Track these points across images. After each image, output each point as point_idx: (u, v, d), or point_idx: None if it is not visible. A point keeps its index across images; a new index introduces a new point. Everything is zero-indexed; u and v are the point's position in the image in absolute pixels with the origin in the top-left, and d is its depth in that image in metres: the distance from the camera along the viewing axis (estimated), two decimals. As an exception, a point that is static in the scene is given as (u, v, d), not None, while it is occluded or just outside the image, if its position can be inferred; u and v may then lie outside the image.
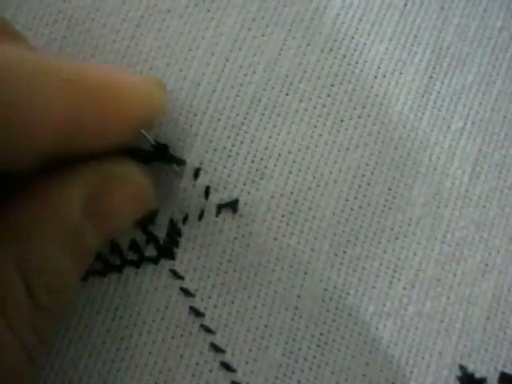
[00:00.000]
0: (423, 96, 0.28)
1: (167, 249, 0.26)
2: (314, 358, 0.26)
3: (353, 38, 0.28)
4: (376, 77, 0.28)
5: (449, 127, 0.28)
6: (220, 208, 0.27)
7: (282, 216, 0.27)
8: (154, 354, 0.26)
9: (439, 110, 0.28)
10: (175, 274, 0.26)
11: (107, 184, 0.23)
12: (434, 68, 0.28)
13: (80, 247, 0.22)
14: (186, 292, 0.26)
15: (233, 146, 0.27)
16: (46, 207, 0.21)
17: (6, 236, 0.20)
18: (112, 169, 0.23)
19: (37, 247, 0.21)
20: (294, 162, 0.27)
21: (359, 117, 0.27)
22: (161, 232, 0.26)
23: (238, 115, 0.27)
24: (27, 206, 0.21)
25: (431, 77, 0.28)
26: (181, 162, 0.26)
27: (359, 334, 0.27)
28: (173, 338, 0.26)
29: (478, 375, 0.27)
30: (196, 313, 0.26)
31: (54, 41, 0.27)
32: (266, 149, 0.27)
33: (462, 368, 0.27)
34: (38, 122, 0.19)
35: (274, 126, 0.27)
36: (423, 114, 0.28)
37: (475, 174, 0.28)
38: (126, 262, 0.26)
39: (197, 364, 0.26)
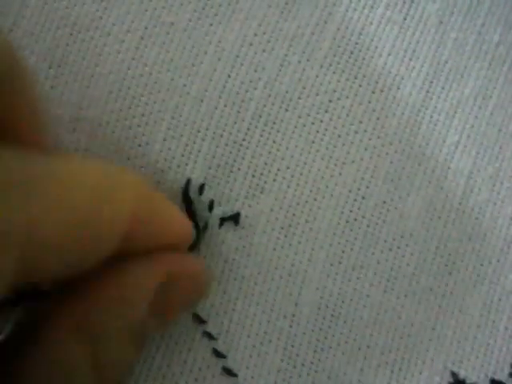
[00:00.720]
0: (419, 111, 0.29)
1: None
2: (312, 363, 0.28)
3: (352, 52, 0.29)
4: (374, 92, 0.29)
5: (444, 141, 0.29)
6: (223, 220, 0.28)
7: (281, 228, 0.28)
8: (158, 360, 0.28)
9: (435, 125, 0.29)
10: None
11: (172, 278, 0.24)
12: (431, 82, 0.29)
13: (142, 339, 0.24)
14: None
15: (234, 161, 0.28)
16: (117, 305, 0.23)
17: (82, 330, 0.22)
18: (175, 264, 0.24)
19: (112, 346, 0.23)
20: (292, 176, 0.28)
21: (356, 132, 0.28)
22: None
23: (239, 131, 0.28)
24: (103, 301, 0.23)
25: (428, 91, 0.29)
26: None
27: (354, 340, 0.28)
28: (176, 343, 0.28)
29: (468, 381, 0.28)
30: (199, 320, 0.28)
31: (57, 48, 0.28)
32: (266, 164, 0.28)
33: (454, 374, 0.28)
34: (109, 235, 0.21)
35: (274, 142, 0.28)
36: (419, 128, 0.29)
37: (469, 187, 0.29)
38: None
39: (199, 369, 0.27)
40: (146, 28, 0.29)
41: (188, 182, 0.28)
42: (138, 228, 0.22)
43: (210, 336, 0.28)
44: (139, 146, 0.28)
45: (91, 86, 0.28)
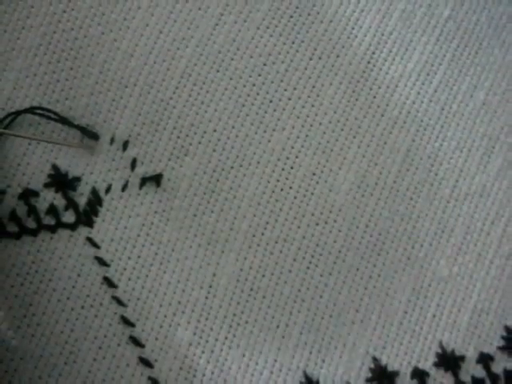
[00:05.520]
0: (358, 82, 0.29)
1: (86, 216, 0.28)
2: (226, 338, 0.28)
3: (291, 16, 0.29)
4: (311, 58, 0.29)
5: (382, 115, 0.29)
6: (144, 181, 0.28)
7: (204, 193, 0.28)
8: (62, 323, 0.28)
9: (374, 98, 0.29)
10: (91, 242, 0.28)
11: None
12: (373, 53, 0.29)
13: None
14: (101, 261, 0.28)
15: (160, 120, 0.28)
16: None
17: None
18: None
19: None
20: (218, 140, 0.28)
21: (289, 98, 0.29)
22: (82, 199, 0.28)
23: (167, 89, 0.28)
24: None
25: (369, 62, 0.29)
26: (93, 136, 0.28)
27: (273, 317, 0.28)
28: (82, 307, 0.28)
29: (390, 368, 0.28)
30: (109, 283, 0.28)
31: None
32: (192, 125, 0.28)
33: (375, 360, 0.28)
34: None
35: (202, 103, 0.28)
36: (357, 100, 0.29)
37: (405, 165, 0.29)
38: (42, 227, 0.28)
39: (105, 336, 0.28)
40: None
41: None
42: None
43: (119, 302, 0.28)
44: (66, 99, 0.28)
45: (21, 37, 0.29)
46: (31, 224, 0.28)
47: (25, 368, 0.27)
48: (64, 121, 0.28)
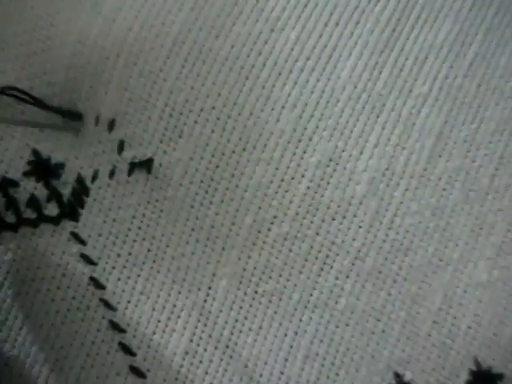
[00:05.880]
0: (382, 52, 0.26)
1: (71, 209, 0.24)
2: (227, 347, 0.24)
3: None
4: (326, 24, 0.25)
5: (410, 91, 0.25)
6: (133, 166, 0.25)
7: (201, 182, 0.25)
8: (46, 327, 0.25)
9: (400, 70, 0.25)
10: (77, 238, 0.25)
11: None
12: (398, 20, 0.26)
13: None
14: (87, 259, 0.25)
15: (149, 96, 0.25)
16: None
17: None
18: None
19: None
20: (217, 119, 0.25)
21: (301, 70, 0.25)
22: (66, 189, 0.25)
23: (156, 60, 0.25)
24: None
25: (394, 30, 0.26)
26: (75, 116, 0.24)
27: (280, 324, 0.25)
28: (68, 310, 0.25)
29: (415, 386, 0.24)
30: (96, 284, 0.25)
31: None
32: (187, 101, 0.25)
33: (398, 376, 0.25)
34: None
35: (198, 75, 0.25)
36: (380, 72, 0.25)
37: (437, 150, 0.25)
38: (22, 221, 0.24)
39: (93, 343, 0.25)
40: None
41: None
42: None
43: (107, 305, 0.25)
44: (44, 74, 0.25)
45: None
46: (10, 218, 0.25)
47: (9, 374, 0.25)
48: (40, 104, 0.25)
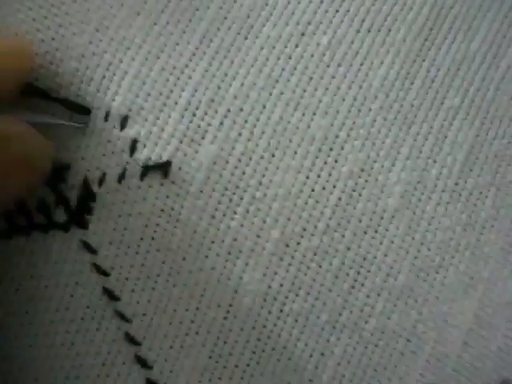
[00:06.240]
0: (414, 61, 0.24)
1: (78, 215, 0.22)
2: (248, 366, 0.23)
3: None
4: (359, 31, 0.24)
5: (442, 103, 0.24)
6: (147, 170, 0.23)
7: (225, 189, 0.23)
8: (61, 335, 0.23)
9: (432, 81, 0.24)
10: (87, 247, 0.22)
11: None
12: (431, 29, 0.25)
13: None
14: (99, 269, 0.23)
15: (171, 92, 0.23)
16: None
17: None
18: None
19: None
20: (245, 121, 0.23)
21: (332, 76, 0.24)
22: (72, 193, 0.22)
23: (181, 55, 0.23)
24: None
25: (426, 39, 0.25)
26: (83, 110, 0.22)
27: (305, 344, 0.23)
28: (82, 319, 0.23)
29: (446, 411, 0.23)
30: (110, 295, 0.22)
31: None
32: (213, 101, 0.23)
33: None
34: None
35: (226, 75, 0.23)
36: (412, 83, 0.24)
37: (469, 164, 0.24)
38: (34, 226, 0.22)
39: (108, 353, 0.23)
40: None
41: None
42: None
43: (122, 317, 0.23)
44: (51, 63, 0.23)
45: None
46: (22, 222, 0.23)
47: (24, 380, 0.23)
48: (43, 95, 0.22)
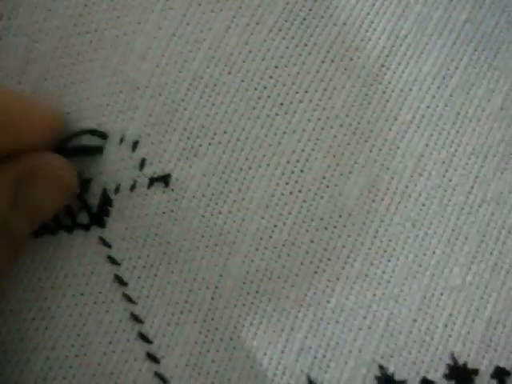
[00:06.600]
0: (371, 85, 0.29)
1: (98, 217, 0.28)
2: (231, 339, 0.28)
3: (304, 19, 0.29)
4: (323, 61, 0.29)
5: (395, 119, 0.29)
6: (152, 181, 0.29)
7: (212, 194, 0.28)
8: (75, 317, 0.29)
9: (387, 101, 0.29)
10: (104, 242, 0.28)
11: (31, 174, 0.26)
12: (387, 56, 0.29)
13: (8, 241, 0.26)
14: (113, 260, 0.28)
15: (171, 121, 0.29)
16: None
17: None
18: (33, 161, 0.26)
19: None
20: (228, 141, 0.28)
21: (300, 101, 0.29)
22: (94, 200, 0.29)
23: (178, 91, 0.29)
24: None
25: (383, 65, 0.29)
26: (102, 135, 0.28)
27: (278, 320, 0.28)
28: (95, 303, 0.29)
29: (397, 378, 0.28)
30: (120, 281, 0.28)
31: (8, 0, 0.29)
32: (203, 127, 0.29)
33: (382, 368, 0.28)
34: None
35: (213, 105, 0.29)
36: (369, 103, 0.29)
37: (418, 170, 0.28)
38: (60, 226, 0.28)
39: (115, 332, 0.28)
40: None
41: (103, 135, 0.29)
42: None
43: (129, 299, 0.29)
44: (80, 100, 0.29)
45: (39, 40, 0.30)
46: (50, 224, 0.29)
47: (37, 358, 0.28)
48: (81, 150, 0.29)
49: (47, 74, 0.30)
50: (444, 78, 0.30)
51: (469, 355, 0.28)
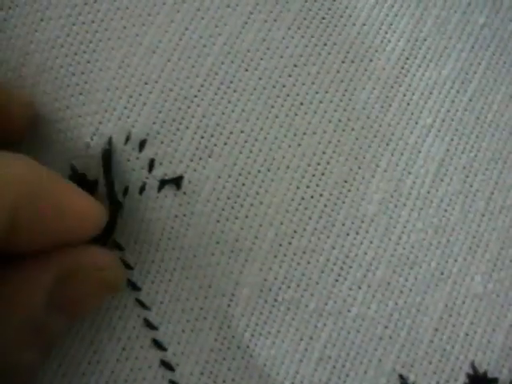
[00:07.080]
0: (392, 87, 0.28)
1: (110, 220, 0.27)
2: (248, 347, 0.27)
3: (323, 18, 0.28)
4: (343, 61, 0.28)
5: (416, 123, 0.28)
6: (163, 183, 0.27)
7: (228, 198, 0.27)
8: (87, 324, 0.28)
9: (408, 104, 0.28)
10: (116, 245, 0.27)
11: (73, 272, 0.25)
12: (407, 59, 0.28)
13: (44, 337, 0.24)
14: (125, 264, 0.28)
15: (183, 119, 0.27)
16: (8, 303, 0.23)
17: None
18: (77, 257, 0.25)
19: (9, 347, 0.23)
20: (245, 142, 0.27)
21: (321, 102, 0.28)
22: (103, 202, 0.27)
23: (191, 87, 0.27)
24: None
25: (403, 68, 0.28)
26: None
27: (296, 329, 0.27)
28: (108, 309, 0.28)
29: (419, 388, 0.27)
30: (133, 286, 0.27)
31: None
32: (218, 125, 0.27)
33: (402, 378, 0.27)
34: None
35: (229, 102, 0.27)
36: (390, 105, 0.28)
37: (439, 175, 0.28)
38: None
39: (128, 338, 0.28)
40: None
41: (110, 141, 0.26)
42: (25, 221, 0.22)
43: (142, 305, 0.28)
44: (80, 94, 0.27)
45: (39, 30, 0.28)
46: None
47: (49, 365, 0.27)
48: None
49: (46, 66, 0.28)
50: (463, 82, 0.29)
51: (489, 364, 0.28)
